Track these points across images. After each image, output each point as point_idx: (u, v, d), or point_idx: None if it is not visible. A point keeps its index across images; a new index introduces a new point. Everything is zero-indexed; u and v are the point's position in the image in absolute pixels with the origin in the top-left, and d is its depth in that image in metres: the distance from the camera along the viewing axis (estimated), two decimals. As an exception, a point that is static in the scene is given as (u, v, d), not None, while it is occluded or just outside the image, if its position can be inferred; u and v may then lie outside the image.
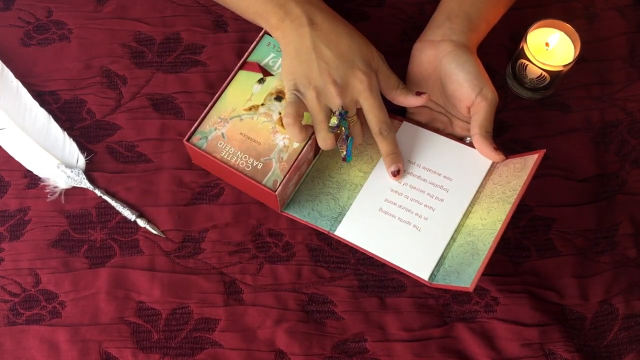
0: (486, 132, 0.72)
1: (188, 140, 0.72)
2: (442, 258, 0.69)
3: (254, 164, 0.71)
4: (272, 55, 0.75)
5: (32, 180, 0.78)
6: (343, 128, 0.70)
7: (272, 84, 0.74)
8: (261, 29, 0.77)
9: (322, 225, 0.73)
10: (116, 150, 0.80)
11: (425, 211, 0.72)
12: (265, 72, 0.75)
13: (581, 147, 0.80)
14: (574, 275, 0.75)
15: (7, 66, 0.82)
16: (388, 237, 0.71)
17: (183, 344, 0.72)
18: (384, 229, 0.72)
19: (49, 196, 0.77)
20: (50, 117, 0.80)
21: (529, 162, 0.69)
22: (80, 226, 0.77)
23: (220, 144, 0.72)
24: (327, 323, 0.73)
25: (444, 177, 0.73)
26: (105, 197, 0.77)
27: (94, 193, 0.77)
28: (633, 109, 0.82)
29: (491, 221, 0.68)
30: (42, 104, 0.81)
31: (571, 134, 0.81)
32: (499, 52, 0.84)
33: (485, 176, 0.73)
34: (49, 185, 0.78)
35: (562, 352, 0.71)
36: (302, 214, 0.74)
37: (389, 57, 0.84)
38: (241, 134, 0.72)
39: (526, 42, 0.77)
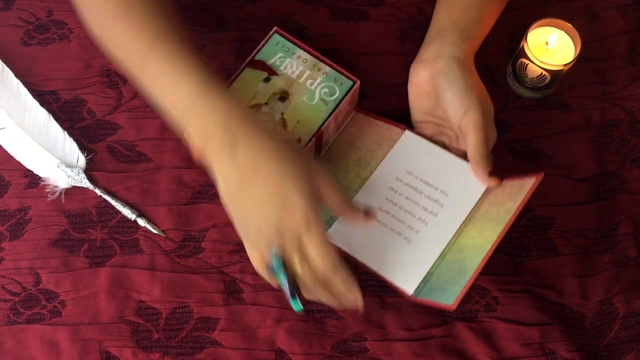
0: (480, 156, 0.70)
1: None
2: (429, 274, 0.69)
3: None
4: (280, 54, 0.75)
5: (33, 180, 0.78)
6: (281, 276, 0.62)
7: (277, 84, 0.74)
8: (270, 28, 0.76)
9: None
10: (116, 150, 0.80)
11: (418, 224, 0.71)
12: (271, 72, 0.74)
13: (581, 146, 0.80)
14: (574, 275, 0.75)
15: (8, 66, 0.82)
16: (377, 246, 0.70)
17: (183, 343, 0.72)
18: (374, 237, 0.71)
19: (49, 196, 0.78)
20: (51, 116, 0.80)
21: (525, 185, 0.68)
22: (80, 225, 0.77)
23: None
24: (327, 322, 0.73)
25: (441, 191, 0.72)
26: (106, 197, 0.77)
27: (94, 192, 0.77)
28: (633, 108, 0.82)
29: (482, 241, 0.67)
30: (42, 103, 0.81)
31: (572, 133, 0.81)
32: (499, 52, 0.84)
33: (482, 195, 0.71)
34: (49, 184, 0.78)
35: (562, 351, 0.71)
36: None
37: (389, 57, 0.84)
38: None
39: (526, 41, 0.77)
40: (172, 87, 0.63)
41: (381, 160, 0.75)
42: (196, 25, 0.85)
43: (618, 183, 0.79)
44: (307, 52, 0.75)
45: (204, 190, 0.78)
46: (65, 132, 0.80)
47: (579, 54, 0.77)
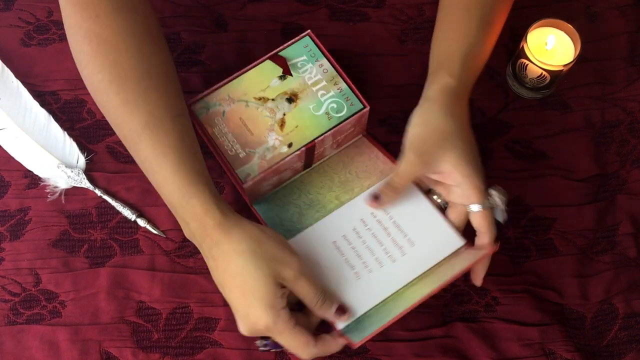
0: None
1: (191, 105, 0.72)
2: (364, 315, 0.66)
3: (238, 151, 0.71)
4: (304, 57, 0.74)
5: (33, 180, 0.78)
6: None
7: (290, 84, 0.73)
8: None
9: (281, 230, 0.72)
10: (116, 150, 0.80)
11: (374, 264, 0.69)
12: (288, 71, 0.74)
13: (581, 147, 0.80)
14: (574, 275, 0.75)
15: (8, 66, 0.82)
16: (326, 272, 0.68)
17: (183, 344, 0.72)
18: (327, 262, 0.69)
19: (49, 196, 0.78)
20: (51, 117, 0.80)
21: (477, 255, 0.67)
22: (80, 226, 0.77)
23: (217, 120, 0.72)
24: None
25: (409, 239, 0.69)
26: (106, 197, 0.77)
27: (94, 193, 0.77)
28: (633, 109, 0.82)
29: (413, 292, 0.66)
30: (43, 104, 0.81)
31: (571, 134, 0.81)
32: (499, 52, 0.84)
33: (447, 257, 0.69)
34: (49, 185, 0.78)
35: (562, 351, 0.71)
36: (267, 216, 0.73)
37: (389, 58, 0.84)
38: (240, 118, 0.72)
39: (526, 41, 0.77)
40: (160, 177, 0.65)
41: (364, 191, 0.73)
42: (196, 26, 0.85)
43: (618, 183, 0.79)
44: (331, 63, 0.74)
45: (204, 190, 0.78)
46: (65, 133, 0.80)
47: (578, 55, 0.77)
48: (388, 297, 0.67)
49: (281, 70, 0.73)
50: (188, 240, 0.75)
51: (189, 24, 0.85)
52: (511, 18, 0.82)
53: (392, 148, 0.78)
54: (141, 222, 0.76)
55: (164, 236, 0.76)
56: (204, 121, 0.72)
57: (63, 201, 0.77)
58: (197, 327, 0.73)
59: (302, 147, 0.71)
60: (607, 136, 0.81)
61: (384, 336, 0.72)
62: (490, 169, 0.78)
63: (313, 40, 0.75)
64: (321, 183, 0.75)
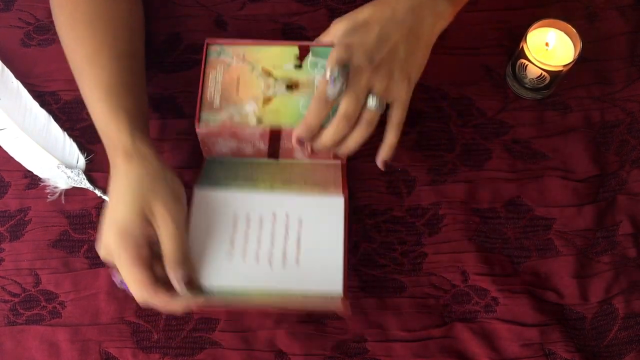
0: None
1: (209, 44, 0.74)
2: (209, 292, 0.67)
3: (214, 100, 0.71)
4: (322, 63, 0.73)
5: (33, 181, 0.78)
6: None
7: (299, 75, 0.73)
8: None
9: (203, 183, 0.73)
10: (116, 151, 0.80)
11: (252, 256, 0.69)
12: (301, 62, 0.73)
13: (581, 147, 0.80)
14: (574, 276, 0.75)
15: (8, 67, 0.82)
16: (207, 236, 0.68)
17: (183, 344, 0.72)
18: (214, 229, 0.69)
19: (49, 196, 0.78)
20: (51, 117, 0.80)
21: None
22: (80, 226, 0.77)
23: (219, 67, 0.72)
24: (327, 323, 0.73)
25: (297, 258, 0.69)
26: (105, 197, 0.77)
27: (94, 193, 0.77)
28: (633, 109, 0.82)
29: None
30: (43, 104, 0.81)
31: (571, 134, 0.81)
32: (499, 52, 0.84)
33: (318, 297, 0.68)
34: (49, 185, 0.78)
35: (562, 352, 0.71)
36: (209, 168, 0.75)
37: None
38: (237, 77, 0.72)
39: (526, 42, 0.77)
40: (91, 107, 0.70)
41: (297, 193, 0.73)
42: (196, 26, 0.85)
43: (618, 184, 0.79)
44: None
45: (204, 191, 0.78)
46: (65, 133, 0.80)
47: (578, 55, 0.77)
48: (239, 291, 0.67)
49: (298, 62, 0.73)
50: (188, 241, 0.76)
51: (189, 24, 0.85)
52: (511, 18, 0.83)
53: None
54: (141, 223, 0.76)
55: (164, 236, 0.76)
56: (210, 62, 0.73)
57: (63, 201, 0.77)
58: (197, 327, 0.73)
59: (267, 128, 0.70)
60: (606, 136, 0.81)
61: (384, 337, 0.72)
62: (490, 169, 0.79)
63: None
64: (272, 172, 0.75)
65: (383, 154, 0.70)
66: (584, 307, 0.74)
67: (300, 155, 0.76)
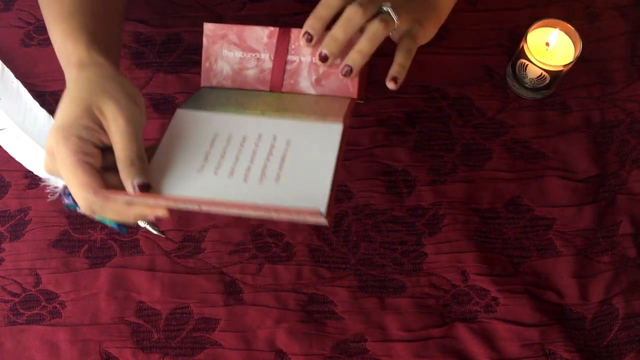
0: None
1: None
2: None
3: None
4: None
5: (33, 181, 0.78)
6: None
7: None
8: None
9: (188, 106, 0.66)
10: (116, 151, 0.80)
11: (226, 170, 0.60)
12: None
13: (581, 147, 0.80)
14: (574, 275, 0.75)
15: (8, 67, 0.82)
16: (181, 151, 0.62)
17: (183, 344, 0.72)
18: (191, 145, 0.62)
19: (49, 196, 0.78)
20: (51, 117, 0.80)
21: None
22: (80, 226, 0.77)
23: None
24: (327, 323, 0.73)
25: (277, 175, 0.60)
26: (106, 197, 0.77)
27: (94, 193, 0.77)
28: (633, 109, 0.82)
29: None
30: (43, 104, 0.81)
31: (571, 134, 0.81)
32: (499, 52, 0.84)
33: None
34: (49, 185, 0.78)
35: (562, 352, 0.71)
36: (204, 91, 0.69)
37: (389, 58, 0.83)
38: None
39: (526, 42, 0.77)
40: (51, 32, 0.65)
41: (286, 119, 0.65)
42: (196, 26, 0.85)
43: (618, 184, 0.79)
44: None
45: (204, 190, 0.78)
46: (66, 133, 0.79)
47: (578, 55, 0.77)
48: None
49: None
50: (188, 241, 0.76)
51: (189, 24, 0.85)
52: (511, 18, 0.83)
53: (393, 148, 0.78)
54: (141, 222, 0.76)
55: (164, 236, 0.76)
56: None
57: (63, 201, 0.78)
58: (197, 327, 0.73)
59: (276, 28, 0.67)
60: (606, 136, 0.81)
61: (384, 337, 0.72)
62: (490, 169, 0.79)
63: None
64: (268, 101, 0.68)
65: (392, 72, 0.65)
66: (584, 307, 0.74)
67: (307, 85, 0.69)
